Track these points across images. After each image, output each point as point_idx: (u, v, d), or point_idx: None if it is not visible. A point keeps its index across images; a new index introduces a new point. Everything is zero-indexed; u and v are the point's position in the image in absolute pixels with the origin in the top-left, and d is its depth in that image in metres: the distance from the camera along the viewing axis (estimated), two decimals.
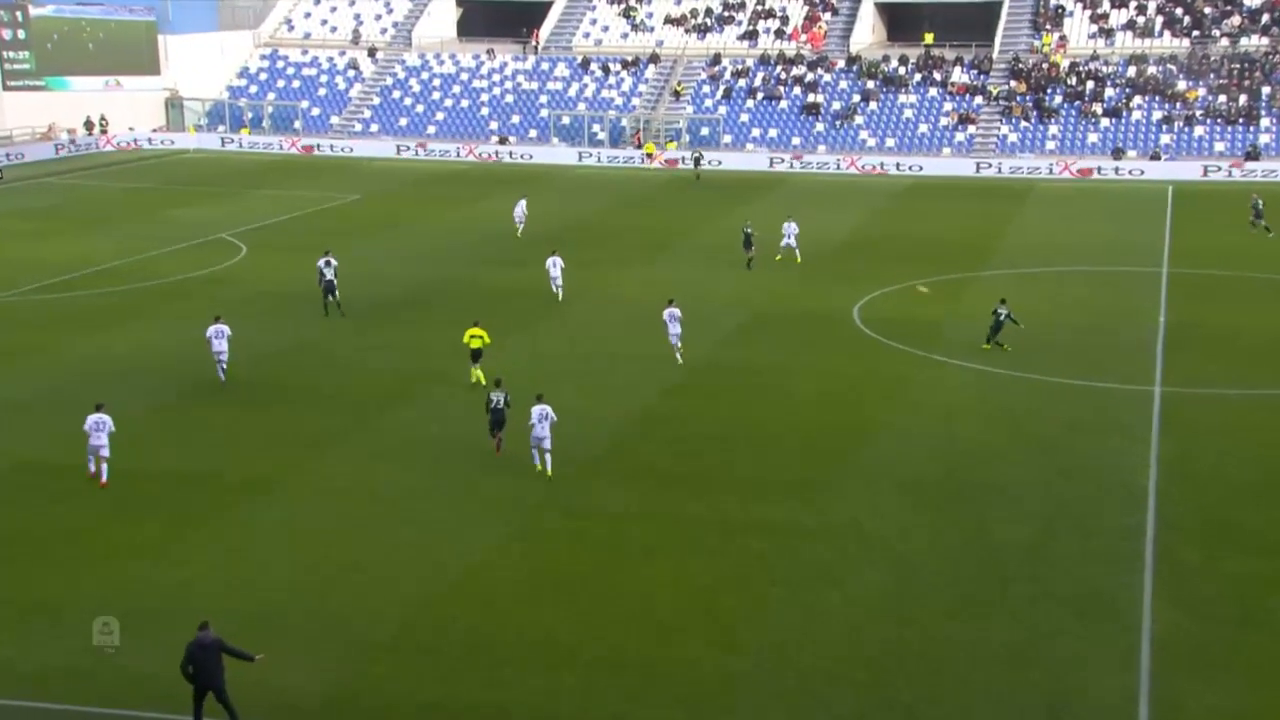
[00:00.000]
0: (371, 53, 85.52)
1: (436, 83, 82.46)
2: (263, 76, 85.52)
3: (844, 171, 69.63)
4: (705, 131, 75.63)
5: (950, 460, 26.14)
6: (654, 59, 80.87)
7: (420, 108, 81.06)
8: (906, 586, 20.59)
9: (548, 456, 24.97)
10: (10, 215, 56.22)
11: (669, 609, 19.90)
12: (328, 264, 38.90)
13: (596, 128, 77.00)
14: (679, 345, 32.59)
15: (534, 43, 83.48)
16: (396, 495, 24.56)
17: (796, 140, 73.88)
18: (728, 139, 74.92)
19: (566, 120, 77.91)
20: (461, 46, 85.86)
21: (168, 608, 19.80)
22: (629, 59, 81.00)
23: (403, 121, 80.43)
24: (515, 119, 78.96)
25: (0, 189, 63.97)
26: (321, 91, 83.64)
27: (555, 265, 39.81)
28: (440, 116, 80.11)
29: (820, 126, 74.26)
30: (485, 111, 79.78)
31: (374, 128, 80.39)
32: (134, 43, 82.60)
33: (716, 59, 79.95)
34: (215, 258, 46.73)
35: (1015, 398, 30.31)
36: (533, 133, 78.01)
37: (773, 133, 74.60)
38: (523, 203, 52.36)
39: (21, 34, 77.25)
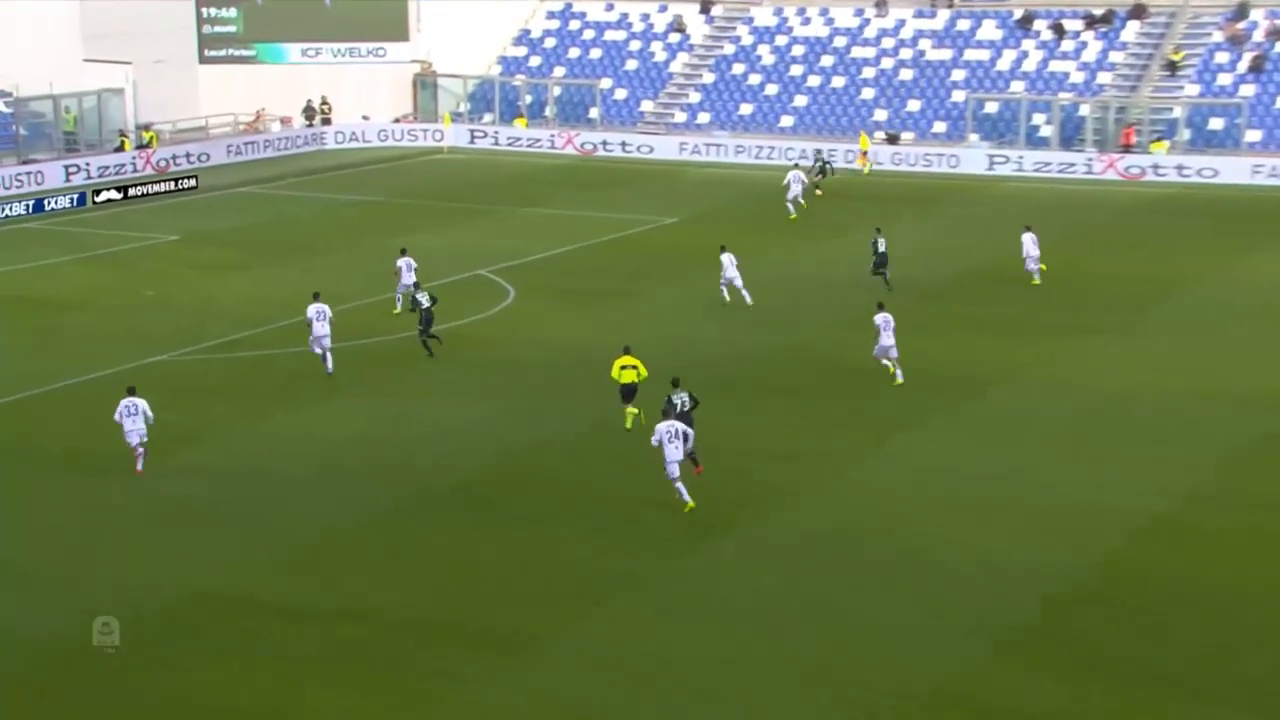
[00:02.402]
0: (705, 8, 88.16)
1: (798, 52, 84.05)
2: (549, 43, 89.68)
3: None
4: (1217, 125, 73.22)
5: None
6: (1137, 12, 79.40)
7: (772, 88, 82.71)
8: None
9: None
10: (196, 240, 60.82)
11: None
12: (409, 267, 45.76)
13: (1040, 119, 76.07)
14: (895, 359, 38.69)
15: None
16: (693, 663, 24.88)
17: None
18: (1254, 136, 72.32)
19: (992, 107, 77.44)
20: None
21: None
22: (1097, 13, 79.94)
23: (745, 109, 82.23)
24: (914, 105, 79.21)
25: (185, 201, 69.55)
26: (631, 65, 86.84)
27: (731, 264, 47.50)
28: (800, 102, 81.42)
29: None
30: (868, 94, 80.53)
31: (703, 117, 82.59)
32: None
33: (1241, 10, 77.62)
34: (469, 304, 48.74)
35: None
36: (939, 126, 78.02)
37: None
38: (795, 176, 62.59)
39: None
